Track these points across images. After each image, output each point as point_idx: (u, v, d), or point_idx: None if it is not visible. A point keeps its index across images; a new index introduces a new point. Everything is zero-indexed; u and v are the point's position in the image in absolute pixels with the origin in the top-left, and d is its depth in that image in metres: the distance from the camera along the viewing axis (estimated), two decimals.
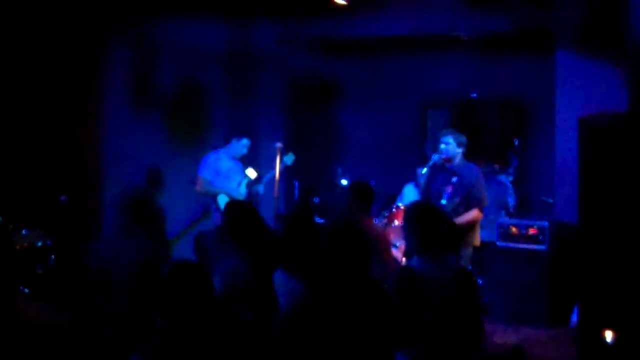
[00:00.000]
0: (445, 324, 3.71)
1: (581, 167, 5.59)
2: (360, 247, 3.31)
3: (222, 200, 7.08)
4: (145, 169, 7.29)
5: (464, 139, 6.19)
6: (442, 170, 6.14)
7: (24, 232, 6.25)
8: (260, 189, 7.27)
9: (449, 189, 5.92)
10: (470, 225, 5.96)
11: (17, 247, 6.09)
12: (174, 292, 3.05)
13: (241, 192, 7.19)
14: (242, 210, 4.50)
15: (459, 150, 6.14)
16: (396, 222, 7.11)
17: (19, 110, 6.88)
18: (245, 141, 7.21)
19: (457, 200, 5.86)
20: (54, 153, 7.13)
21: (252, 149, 7.45)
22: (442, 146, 6.14)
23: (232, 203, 5.11)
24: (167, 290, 3.07)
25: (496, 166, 8.10)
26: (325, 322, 3.14)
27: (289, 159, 7.29)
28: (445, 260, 3.89)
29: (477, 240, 6.03)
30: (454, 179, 5.94)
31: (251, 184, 7.27)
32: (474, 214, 5.95)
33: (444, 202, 5.89)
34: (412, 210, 4.11)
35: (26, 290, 6.08)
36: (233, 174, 7.25)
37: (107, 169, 7.43)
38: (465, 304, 3.81)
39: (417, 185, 7.44)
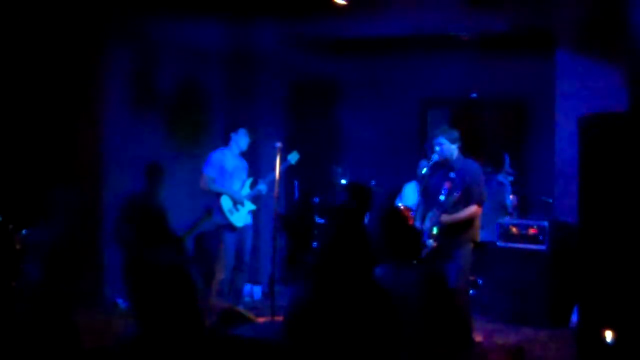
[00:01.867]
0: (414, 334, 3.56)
1: (581, 167, 5.59)
2: (362, 247, 3.29)
3: (225, 201, 7.06)
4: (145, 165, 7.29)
5: (455, 134, 6.05)
6: (440, 167, 6.10)
7: (24, 232, 6.25)
8: (263, 188, 7.24)
9: (447, 185, 5.85)
10: (469, 222, 5.92)
11: (17, 247, 6.09)
12: None
13: (244, 193, 7.18)
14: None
15: (454, 147, 6.04)
16: None
17: (19, 110, 6.89)
18: (242, 130, 7.21)
19: (456, 195, 5.81)
20: (54, 153, 7.14)
21: (252, 148, 7.44)
22: (437, 148, 6.05)
23: None
24: None
25: (494, 167, 8.08)
26: (327, 324, 3.13)
27: (294, 157, 7.25)
28: (408, 268, 3.77)
29: (476, 236, 5.98)
30: (452, 175, 5.88)
31: (254, 183, 7.26)
32: (472, 209, 5.88)
33: (442, 198, 5.83)
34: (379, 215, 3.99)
35: None
36: (238, 173, 7.24)
37: (107, 169, 7.43)
38: (433, 311, 3.67)
39: (419, 180, 7.39)
